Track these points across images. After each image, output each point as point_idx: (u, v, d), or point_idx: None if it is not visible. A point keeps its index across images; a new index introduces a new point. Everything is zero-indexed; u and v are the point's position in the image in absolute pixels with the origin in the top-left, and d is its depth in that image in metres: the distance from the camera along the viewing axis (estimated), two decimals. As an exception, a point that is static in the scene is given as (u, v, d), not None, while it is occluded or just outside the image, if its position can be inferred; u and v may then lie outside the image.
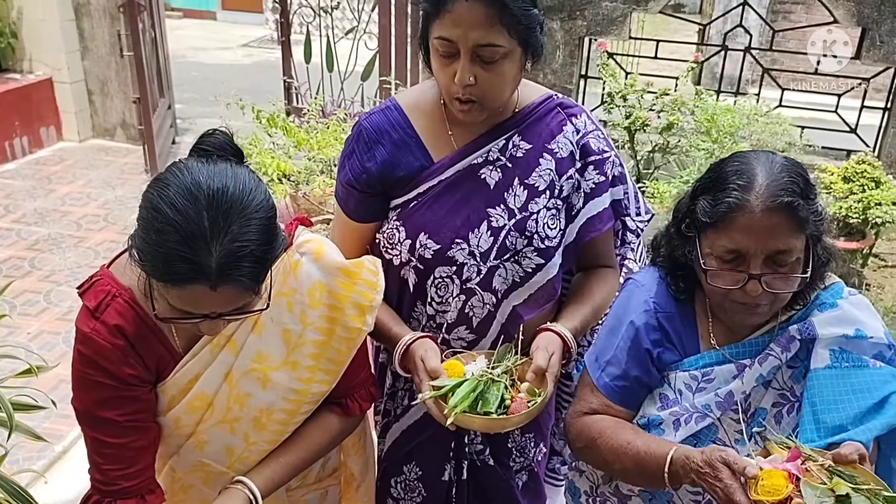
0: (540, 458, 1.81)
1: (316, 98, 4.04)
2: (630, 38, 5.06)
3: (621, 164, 1.64)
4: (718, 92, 4.90)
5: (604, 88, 4.31)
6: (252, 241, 1.11)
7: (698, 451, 1.23)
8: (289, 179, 3.62)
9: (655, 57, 5.12)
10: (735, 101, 4.53)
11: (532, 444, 1.76)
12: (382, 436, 1.77)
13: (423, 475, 1.71)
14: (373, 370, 1.79)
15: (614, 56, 4.87)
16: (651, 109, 4.19)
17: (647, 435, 1.37)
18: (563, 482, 1.84)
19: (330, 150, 3.50)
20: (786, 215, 1.23)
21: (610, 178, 1.59)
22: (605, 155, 1.58)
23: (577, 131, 1.57)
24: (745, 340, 1.36)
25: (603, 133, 1.61)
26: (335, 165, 2.98)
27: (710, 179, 1.33)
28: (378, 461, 1.81)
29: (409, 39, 4.67)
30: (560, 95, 1.61)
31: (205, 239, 1.08)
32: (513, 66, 1.41)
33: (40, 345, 3.53)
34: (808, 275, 1.29)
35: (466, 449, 1.69)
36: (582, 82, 5.14)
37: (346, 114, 3.81)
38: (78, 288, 1.31)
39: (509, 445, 1.73)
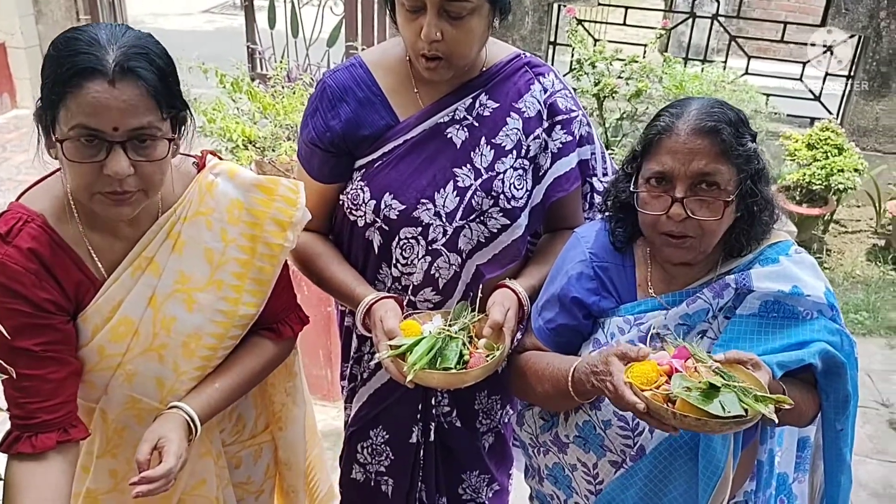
0: (507, 421, 1.81)
1: (281, 62, 3.95)
2: (599, 4, 5.03)
3: (588, 125, 1.62)
4: (686, 60, 4.91)
5: (572, 55, 4.28)
6: (150, 46, 1.19)
7: (597, 352, 1.26)
8: (254, 146, 3.54)
9: (624, 24, 5.10)
10: (702, 69, 4.53)
11: (499, 406, 1.76)
12: (349, 401, 1.75)
13: (390, 438, 1.71)
14: (338, 336, 1.78)
15: (583, 23, 4.84)
16: (619, 77, 4.18)
17: (566, 356, 1.40)
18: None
19: (296, 115, 3.42)
20: (710, 139, 1.26)
21: (577, 137, 1.58)
22: (573, 114, 1.57)
23: (545, 90, 1.55)
24: (682, 290, 1.37)
25: (570, 92, 1.59)
26: (301, 130, 2.90)
27: (652, 118, 1.37)
28: (345, 426, 1.80)
29: (375, 4, 4.58)
30: (528, 55, 1.59)
31: (102, 43, 1.14)
32: (480, 22, 1.38)
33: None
34: (738, 211, 1.31)
35: (433, 411, 1.68)
36: (551, 49, 5.11)
37: (311, 79, 3.73)
38: None
39: (476, 407, 1.73)
